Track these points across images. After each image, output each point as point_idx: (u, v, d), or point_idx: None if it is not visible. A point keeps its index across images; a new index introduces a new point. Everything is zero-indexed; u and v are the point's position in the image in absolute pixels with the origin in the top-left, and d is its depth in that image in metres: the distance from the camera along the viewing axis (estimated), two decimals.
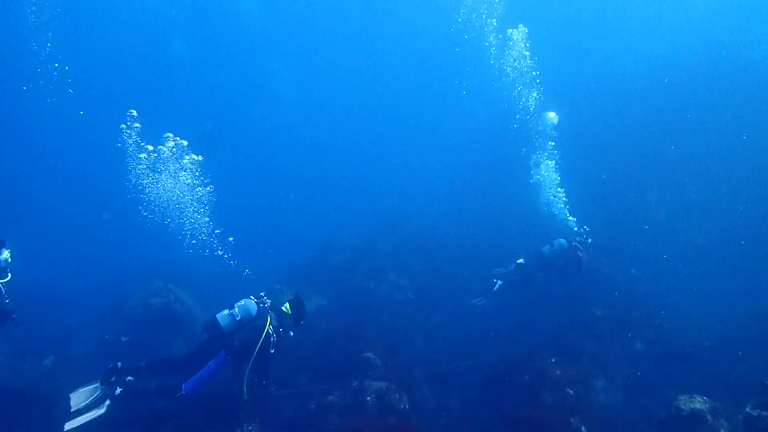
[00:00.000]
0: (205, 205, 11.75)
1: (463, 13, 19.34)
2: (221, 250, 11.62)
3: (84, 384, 6.71)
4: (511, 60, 15.71)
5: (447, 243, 17.19)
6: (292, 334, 7.31)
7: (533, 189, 14.69)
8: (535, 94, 15.16)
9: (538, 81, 15.27)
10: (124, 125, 11.46)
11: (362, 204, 31.40)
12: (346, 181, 37.13)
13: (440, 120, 38.16)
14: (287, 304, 7.42)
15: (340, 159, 39.92)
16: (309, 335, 9.14)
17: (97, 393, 6.56)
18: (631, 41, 26.76)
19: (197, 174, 11.70)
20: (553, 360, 8.59)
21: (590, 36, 29.44)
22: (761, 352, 8.96)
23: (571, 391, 8.08)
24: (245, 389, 6.55)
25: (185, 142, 11.38)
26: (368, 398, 7.40)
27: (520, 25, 15.58)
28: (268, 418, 6.93)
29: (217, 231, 11.77)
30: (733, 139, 15.30)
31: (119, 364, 6.70)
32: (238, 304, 7.00)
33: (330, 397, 7.49)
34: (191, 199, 11.56)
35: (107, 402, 6.17)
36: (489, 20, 17.53)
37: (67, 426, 5.99)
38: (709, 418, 6.42)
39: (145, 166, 11.26)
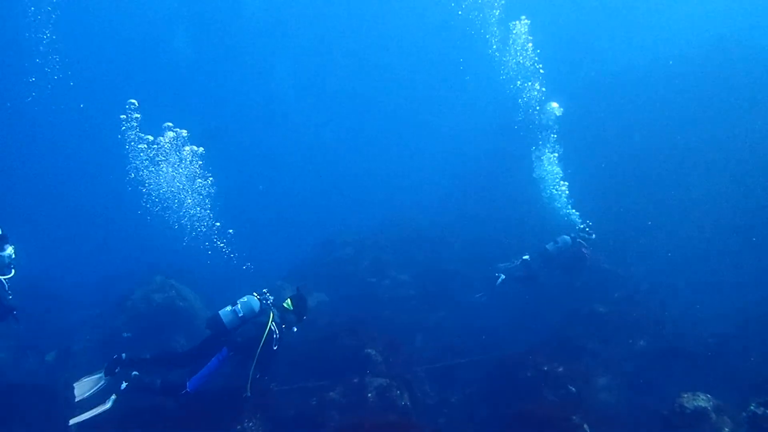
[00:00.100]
0: (205, 197, 11.72)
1: (465, 6, 19.19)
2: (222, 243, 11.58)
3: (88, 374, 6.71)
4: (514, 52, 15.57)
5: (449, 239, 17.17)
6: (295, 329, 7.29)
7: (536, 184, 14.60)
8: (537, 86, 15.04)
9: (541, 71, 15.11)
10: (123, 116, 11.40)
11: (364, 200, 31.40)
12: (348, 177, 37.12)
13: (442, 115, 38.06)
14: (288, 300, 7.40)
15: (341, 154, 39.91)
16: (310, 331, 9.10)
17: (101, 383, 6.57)
18: (635, 35, 26.66)
19: (198, 166, 11.65)
20: (555, 357, 8.55)
21: (594, 29, 29.30)
22: (766, 349, 8.90)
23: (573, 389, 8.04)
24: (248, 386, 6.52)
25: (185, 132, 11.33)
26: (369, 395, 7.40)
27: (523, 17, 15.43)
28: (269, 415, 6.92)
29: (218, 224, 11.74)
30: (740, 135, 15.21)
31: (124, 355, 6.71)
32: (241, 300, 6.98)
33: (331, 393, 7.50)
34: (191, 191, 11.53)
35: (113, 397, 6.15)
36: (492, 11, 17.35)
37: (73, 420, 5.97)
38: (713, 415, 6.38)
39: (145, 157, 11.22)
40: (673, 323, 10.36)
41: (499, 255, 12.89)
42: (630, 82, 19.00)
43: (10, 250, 7.06)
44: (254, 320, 6.86)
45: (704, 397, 6.55)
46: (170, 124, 11.28)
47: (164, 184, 11.36)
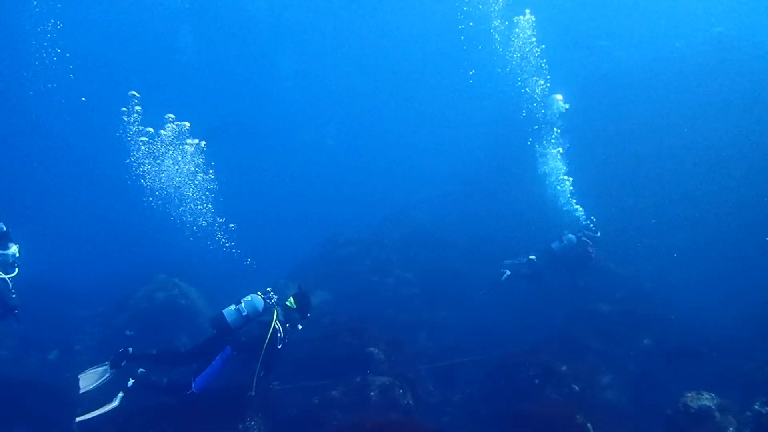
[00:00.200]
0: (206, 191, 11.69)
1: (469, 0, 19.06)
2: (223, 237, 11.57)
3: (93, 365, 6.70)
4: (518, 48, 15.45)
5: (453, 237, 17.14)
6: (300, 327, 7.27)
7: (540, 180, 14.52)
8: (541, 82, 14.93)
9: (545, 64, 14.99)
10: (125, 108, 11.37)
11: (368, 198, 31.38)
12: (351, 174, 37.08)
13: (446, 112, 37.98)
14: (291, 298, 7.37)
15: (344, 151, 39.86)
16: (312, 330, 9.08)
17: (107, 376, 6.55)
18: (640, 30, 26.46)
19: (200, 160, 11.63)
20: (559, 356, 8.52)
21: (597, 25, 29.12)
22: None
23: (576, 388, 8.01)
24: (254, 385, 6.51)
25: (187, 124, 11.29)
26: (372, 393, 7.37)
27: (527, 11, 15.31)
28: (271, 414, 6.90)
29: (220, 219, 11.72)
30: (745, 133, 15.11)
31: (131, 349, 6.70)
32: (245, 299, 6.96)
33: (333, 392, 7.48)
34: (192, 183, 11.50)
35: (120, 394, 6.13)
36: (495, 6, 17.19)
37: (80, 418, 5.95)
38: (717, 415, 6.34)
39: (146, 150, 11.20)
40: (677, 322, 10.31)
41: (503, 253, 12.85)
42: (634, 78, 18.89)
43: (14, 248, 7.10)
44: (258, 319, 6.84)
45: (708, 397, 6.51)
46: (172, 116, 11.24)
47: (165, 178, 11.34)
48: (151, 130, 11.19)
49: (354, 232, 17.64)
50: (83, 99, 24.06)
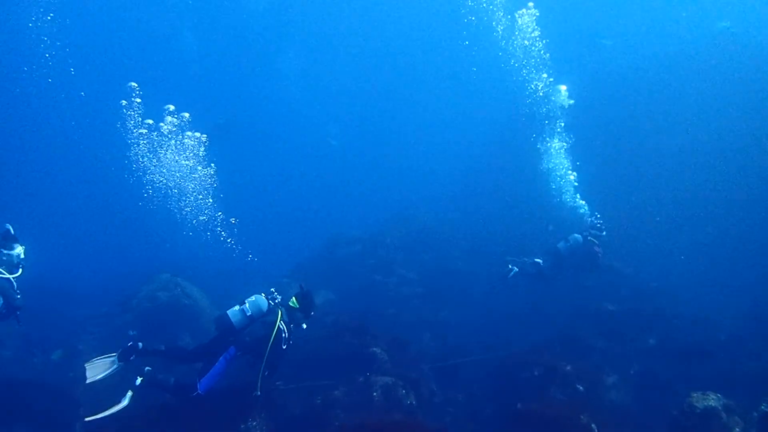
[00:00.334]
0: (207, 185, 11.66)
1: None
2: (223, 232, 11.55)
3: (101, 355, 6.70)
4: (521, 42, 15.33)
5: (456, 237, 17.09)
6: (305, 326, 7.25)
7: (544, 177, 14.42)
8: (545, 76, 14.81)
9: (547, 57, 14.87)
10: (124, 101, 11.31)
11: (370, 197, 31.35)
12: (354, 173, 37.03)
13: (448, 111, 37.92)
14: (294, 298, 7.36)
15: (348, 151, 39.80)
16: (315, 329, 9.06)
17: (114, 368, 6.57)
18: (643, 25, 26.33)
19: (200, 153, 11.59)
20: (563, 356, 8.47)
21: (599, 21, 28.99)
22: None
23: (580, 388, 7.97)
24: (259, 385, 6.50)
25: (187, 115, 11.25)
26: (374, 393, 7.34)
27: (530, 3, 15.19)
28: (273, 413, 6.89)
29: (220, 214, 11.69)
30: (752, 131, 15.00)
31: (140, 344, 6.72)
32: (249, 299, 6.97)
33: (336, 392, 7.44)
34: (192, 177, 11.47)
35: (129, 393, 6.12)
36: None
37: (90, 418, 5.94)
38: (723, 415, 6.28)
39: (146, 143, 11.16)
40: (682, 321, 10.24)
41: (508, 252, 12.80)
42: (638, 74, 18.80)
43: (19, 249, 7.19)
44: (262, 319, 6.84)
45: (714, 397, 6.44)
46: (172, 107, 11.18)
47: (165, 171, 11.30)
48: (150, 122, 11.13)
49: (357, 231, 17.63)
50: (82, 94, 24.08)
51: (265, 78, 41.10)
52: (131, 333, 6.66)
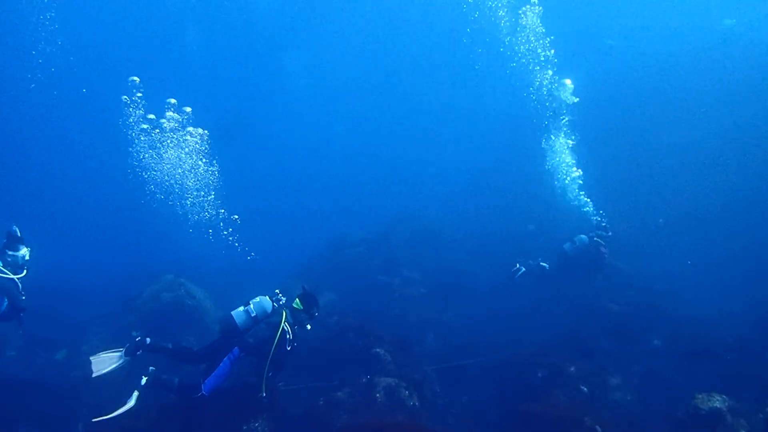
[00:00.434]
0: (209, 182, 11.63)
1: None
2: (225, 230, 11.54)
3: (106, 349, 6.70)
4: (525, 39, 15.22)
5: (461, 238, 17.06)
6: (309, 327, 7.25)
7: (548, 176, 14.34)
8: (550, 73, 14.71)
9: (552, 52, 14.75)
10: (125, 97, 11.27)
11: (375, 197, 31.31)
12: (359, 174, 37.00)
13: (453, 111, 37.84)
14: (297, 299, 7.36)
15: (353, 152, 39.77)
16: (319, 330, 9.06)
17: (120, 362, 6.57)
18: (647, 24, 26.16)
19: (201, 148, 11.57)
20: (567, 357, 8.43)
21: (604, 19, 28.82)
22: None
23: (585, 389, 7.95)
24: (264, 386, 6.50)
25: (188, 109, 11.21)
26: (377, 395, 7.33)
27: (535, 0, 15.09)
28: (276, 414, 6.87)
29: (222, 211, 11.67)
30: (758, 130, 14.90)
31: (148, 339, 6.73)
32: (254, 301, 6.97)
33: (339, 393, 7.44)
34: (194, 175, 11.45)
35: (136, 393, 6.11)
36: None
37: (98, 419, 5.94)
38: (729, 417, 6.24)
39: (147, 140, 11.14)
40: (688, 323, 10.18)
41: (512, 252, 12.77)
42: (642, 74, 18.70)
43: (24, 250, 7.24)
44: (267, 321, 6.84)
45: (719, 399, 6.40)
46: (173, 100, 11.13)
47: (168, 166, 11.27)
48: (152, 116, 11.10)
49: (361, 231, 17.60)
50: (84, 90, 24.09)
51: (271, 77, 41.08)
52: (134, 333, 6.68)
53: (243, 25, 37.29)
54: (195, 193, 11.65)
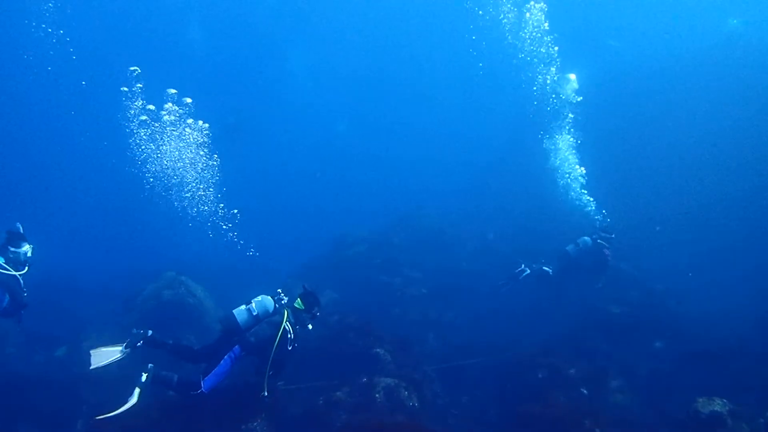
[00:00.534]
0: (209, 176, 11.60)
1: None
2: (225, 225, 11.51)
3: (106, 344, 6.72)
4: (529, 37, 15.14)
5: (462, 238, 17.02)
6: (310, 327, 7.24)
7: (551, 175, 14.28)
8: (553, 70, 14.64)
9: (556, 49, 14.66)
10: (125, 88, 11.21)
11: (377, 197, 31.26)
12: (360, 174, 36.97)
13: (455, 111, 37.75)
14: (298, 299, 7.36)
15: (355, 151, 39.73)
16: (319, 329, 9.05)
17: (119, 356, 6.58)
18: (650, 24, 26.07)
19: (203, 142, 11.53)
20: (567, 359, 8.41)
21: (607, 18, 28.73)
22: None
23: (585, 391, 7.92)
24: (265, 386, 6.49)
25: (189, 100, 11.16)
26: (377, 395, 7.32)
27: None
28: (276, 414, 6.87)
29: (221, 205, 11.65)
30: (762, 132, 14.82)
31: (150, 332, 6.75)
32: (255, 299, 6.98)
33: (338, 393, 7.43)
34: (194, 166, 11.41)
35: (138, 390, 6.11)
36: None
37: (100, 417, 5.93)
38: (729, 421, 6.20)
39: (146, 132, 11.09)
40: (690, 325, 10.14)
41: (514, 253, 12.74)
42: (644, 75, 18.64)
43: (26, 247, 7.28)
44: (268, 320, 6.84)
45: (720, 402, 6.38)
46: (174, 91, 11.08)
47: (168, 159, 11.22)
48: (152, 107, 11.05)
49: (363, 231, 17.58)
50: (83, 83, 24.02)
51: (274, 75, 41.04)
52: (134, 331, 6.70)
53: (247, 24, 37.24)
54: (194, 187, 11.60)
